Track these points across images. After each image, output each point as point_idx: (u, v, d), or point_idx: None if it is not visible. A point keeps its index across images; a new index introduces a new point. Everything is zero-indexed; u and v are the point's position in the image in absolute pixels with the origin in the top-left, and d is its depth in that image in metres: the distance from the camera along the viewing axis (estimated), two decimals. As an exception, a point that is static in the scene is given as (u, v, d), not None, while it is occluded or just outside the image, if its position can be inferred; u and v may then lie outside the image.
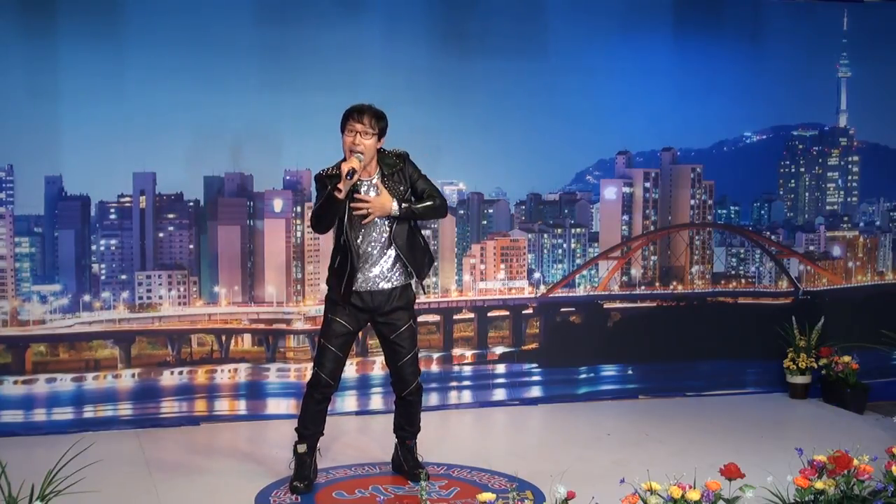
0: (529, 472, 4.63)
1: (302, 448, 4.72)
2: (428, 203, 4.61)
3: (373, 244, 4.59)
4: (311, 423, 4.74)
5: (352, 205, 4.49)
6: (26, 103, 5.73)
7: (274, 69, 6.07)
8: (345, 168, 4.39)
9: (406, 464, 4.87)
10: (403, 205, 4.55)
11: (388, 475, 4.95)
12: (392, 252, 4.60)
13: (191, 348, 6.19)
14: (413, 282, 4.70)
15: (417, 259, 4.65)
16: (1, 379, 5.82)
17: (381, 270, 4.61)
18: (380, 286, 4.62)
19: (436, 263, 6.53)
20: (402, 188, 4.59)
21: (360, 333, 4.88)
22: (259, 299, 6.28)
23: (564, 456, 5.25)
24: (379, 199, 4.52)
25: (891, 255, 7.44)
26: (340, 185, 4.37)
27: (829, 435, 5.52)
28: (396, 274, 4.64)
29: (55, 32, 5.75)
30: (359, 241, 4.57)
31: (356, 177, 4.42)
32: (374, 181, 4.58)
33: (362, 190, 4.55)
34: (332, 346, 4.63)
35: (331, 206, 4.42)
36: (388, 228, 4.58)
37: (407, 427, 4.89)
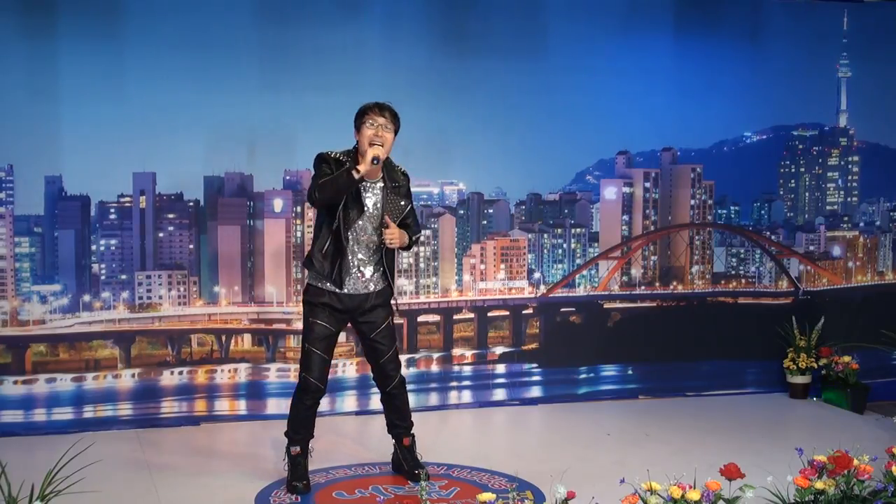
0: (529, 472, 4.63)
1: (295, 450, 4.74)
2: (417, 236, 4.86)
3: (364, 250, 4.63)
4: (301, 428, 4.76)
5: (385, 231, 4.58)
6: (26, 103, 5.73)
7: (274, 69, 6.07)
8: (370, 154, 4.45)
9: (406, 463, 4.88)
10: (414, 238, 4.76)
11: (389, 475, 4.94)
12: (377, 262, 4.66)
13: (191, 348, 6.19)
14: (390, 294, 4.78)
15: (393, 272, 4.77)
16: (1, 379, 5.82)
17: (366, 277, 4.66)
18: (361, 290, 4.66)
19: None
20: (402, 203, 4.68)
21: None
22: (259, 299, 6.28)
23: (564, 456, 5.25)
24: (399, 231, 4.62)
25: (891, 255, 7.45)
26: (360, 167, 4.43)
27: (829, 435, 5.52)
28: (376, 279, 4.69)
29: (55, 32, 5.75)
30: (350, 242, 4.60)
31: (376, 165, 4.48)
32: (378, 186, 4.62)
33: (366, 189, 4.59)
34: (318, 350, 4.65)
35: (344, 181, 4.45)
36: (376, 239, 4.63)
37: (399, 422, 4.90)
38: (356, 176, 4.43)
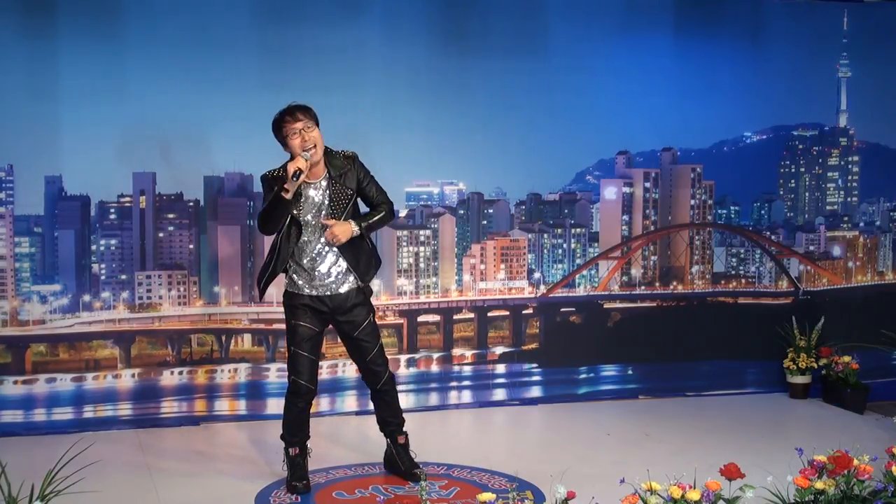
0: (529, 472, 4.63)
1: (294, 451, 4.75)
2: (381, 215, 4.71)
3: (326, 248, 4.61)
4: (297, 431, 4.76)
5: (325, 234, 4.55)
6: (26, 103, 5.73)
7: (274, 69, 6.07)
8: (291, 168, 4.41)
9: (402, 463, 4.87)
10: (363, 225, 4.61)
11: (389, 475, 4.94)
12: (340, 259, 4.63)
13: (191, 348, 6.19)
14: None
15: (362, 263, 4.68)
16: (1, 379, 5.82)
17: (336, 274, 4.64)
18: (338, 290, 4.65)
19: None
20: (349, 192, 4.61)
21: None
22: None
23: (564, 456, 5.25)
24: (340, 227, 4.55)
25: (891, 255, 7.44)
26: (287, 186, 4.40)
27: (829, 435, 5.52)
28: (352, 277, 4.67)
29: (55, 32, 5.75)
30: (311, 243, 4.59)
31: (302, 177, 4.43)
32: (324, 182, 4.59)
33: (310, 192, 4.57)
34: (304, 351, 4.65)
35: (277, 207, 4.46)
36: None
37: (391, 419, 4.89)
38: (288, 196, 4.41)
